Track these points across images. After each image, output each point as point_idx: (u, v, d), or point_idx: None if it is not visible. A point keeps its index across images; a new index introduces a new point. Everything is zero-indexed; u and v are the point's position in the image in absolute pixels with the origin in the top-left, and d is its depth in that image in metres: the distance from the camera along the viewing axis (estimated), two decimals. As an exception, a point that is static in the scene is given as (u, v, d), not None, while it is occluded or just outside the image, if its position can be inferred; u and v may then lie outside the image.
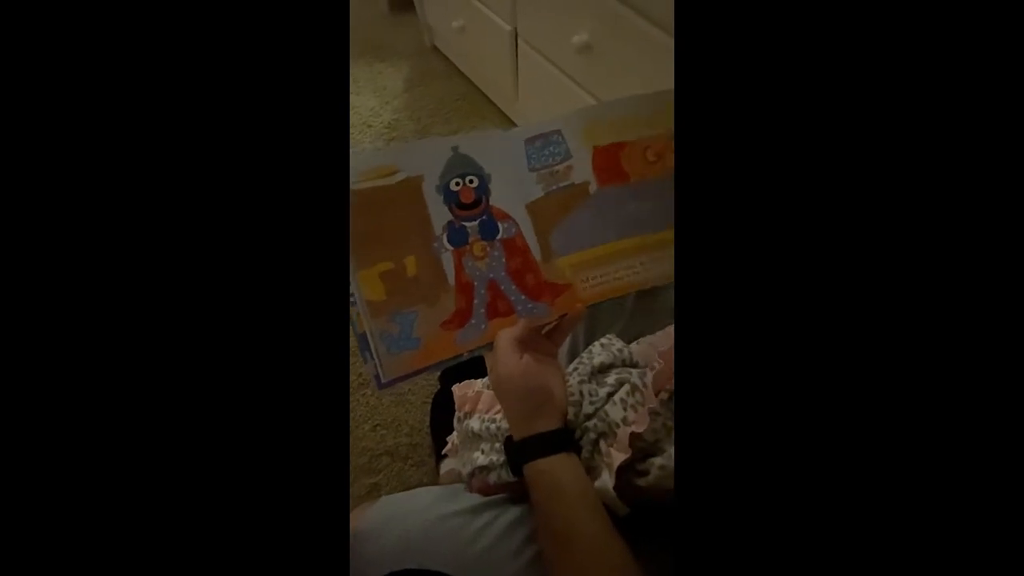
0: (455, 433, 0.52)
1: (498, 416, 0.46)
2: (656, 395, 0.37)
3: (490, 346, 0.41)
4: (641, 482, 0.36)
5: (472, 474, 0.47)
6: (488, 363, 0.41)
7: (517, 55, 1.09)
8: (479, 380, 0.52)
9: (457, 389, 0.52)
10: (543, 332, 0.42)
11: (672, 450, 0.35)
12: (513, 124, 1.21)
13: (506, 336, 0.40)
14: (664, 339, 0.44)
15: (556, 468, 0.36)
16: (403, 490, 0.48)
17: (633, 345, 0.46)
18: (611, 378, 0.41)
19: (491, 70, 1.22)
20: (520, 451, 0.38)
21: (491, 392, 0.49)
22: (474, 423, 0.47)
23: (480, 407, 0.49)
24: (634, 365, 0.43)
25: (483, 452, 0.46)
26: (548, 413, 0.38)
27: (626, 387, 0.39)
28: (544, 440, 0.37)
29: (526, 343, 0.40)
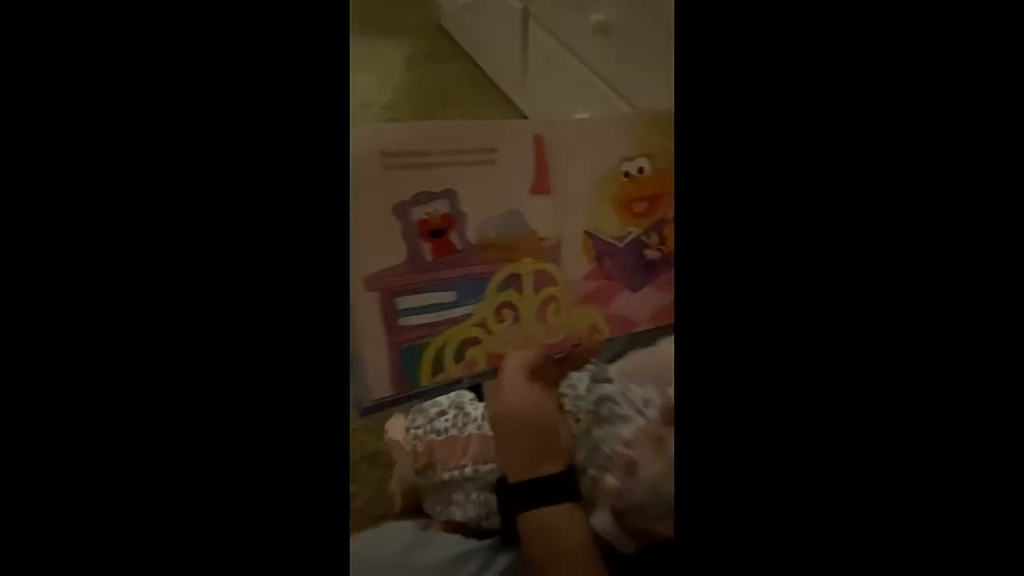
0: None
1: (470, 465, 0.42)
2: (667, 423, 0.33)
3: (492, 372, 0.37)
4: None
5: (446, 524, 0.43)
6: (490, 391, 0.37)
7: (527, 35, 1.02)
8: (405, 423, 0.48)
9: (397, 434, 0.47)
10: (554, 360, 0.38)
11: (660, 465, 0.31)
12: (519, 111, 1.15)
13: (517, 362, 0.35)
14: (659, 357, 0.39)
15: (558, 522, 0.32)
16: (379, 502, 0.44)
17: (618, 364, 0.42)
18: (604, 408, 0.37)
19: (498, 52, 1.16)
20: (518, 497, 0.34)
21: (446, 439, 0.44)
22: (441, 473, 0.43)
23: (439, 456, 0.44)
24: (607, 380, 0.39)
25: (459, 505, 0.42)
26: (554, 455, 0.34)
27: (608, 405, 0.35)
28: (547, 486, 0.33)
29: (536, 371, 0.36)
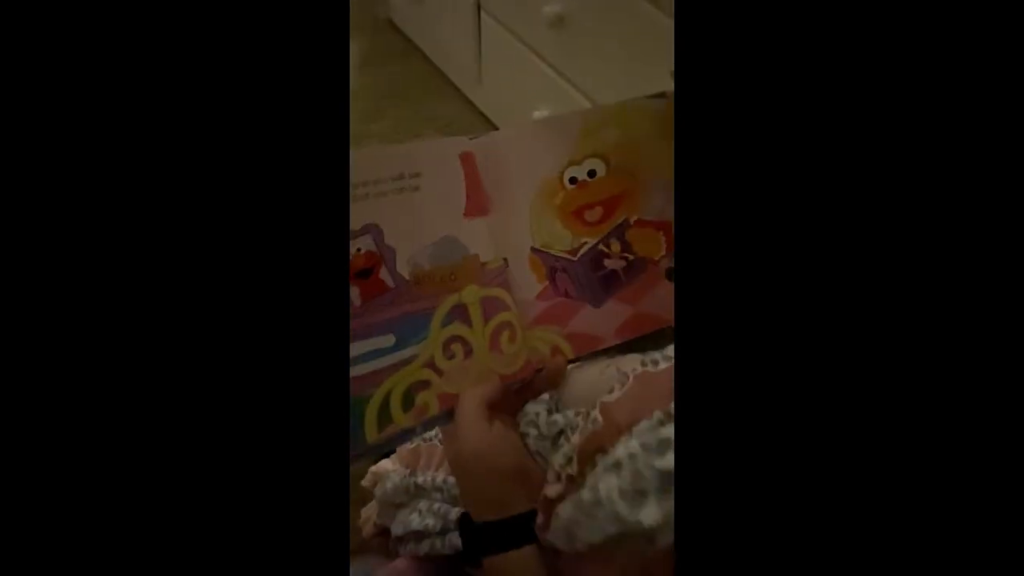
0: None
1: (442, 474, 0.39)
2: (584, 461, 0.28)
3: (448, 415, 0.33)
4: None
5: (401, 539, 0.39)
6: (447, 435, 0.34)
7: (480, 30, 0.99)
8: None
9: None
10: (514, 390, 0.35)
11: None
12: (476, 109, 1.11)
13: (473, 401, 0.32)
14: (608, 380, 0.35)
15: (527, 565, 0.30)
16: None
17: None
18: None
19: (451, 47, 1.12)
20: (483, 539, 0.31)
21: (430, 445, 0.41)
22: (418, 478, 0.40)
23: (422, 462, 0.41)
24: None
25: (420, 513, 0.39)
26: (521, 494, 0.32)
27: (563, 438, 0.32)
28: (513, 528, 0.30)
29: (496, 406, 0.33)
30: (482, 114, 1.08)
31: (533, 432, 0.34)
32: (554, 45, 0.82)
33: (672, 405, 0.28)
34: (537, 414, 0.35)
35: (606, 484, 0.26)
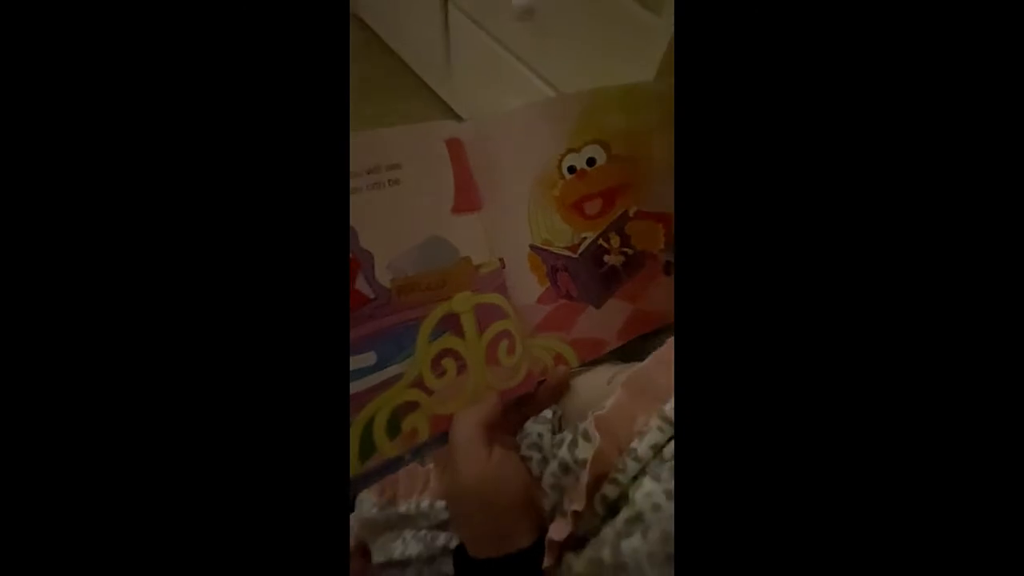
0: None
1: (427, 499, 0.36)
2: (592, 488, 0.26)
3: (438, 438, 0.30)
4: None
5: (384, 566, 0.36)
6: (441, 462, 0.31)
7: (448, 24, 0.96)
8: None
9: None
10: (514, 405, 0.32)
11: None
12: (446, 105, 1.09)
13: (469, 423, 0.28)
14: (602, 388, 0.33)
15: None
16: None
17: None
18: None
19: (419, 41, 1.09)
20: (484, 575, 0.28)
21: (409, 470, 0.37)
22: (400, 507, 0.36)
23: (401, 491, 0.37)
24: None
25: (404, 541, 0.36)
26: (524, 526, 0.28)
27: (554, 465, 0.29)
28: (515, 566, 0.27)
29: (495, 427, 0.29)
30: (451, 109, 1.05)
31: (536, 456, 0.30)
32: (524, 38, 0.79)
33: (667, 405, 0.27)
34: (540, 435, 0.32)
35: (631, 546, 0.23)
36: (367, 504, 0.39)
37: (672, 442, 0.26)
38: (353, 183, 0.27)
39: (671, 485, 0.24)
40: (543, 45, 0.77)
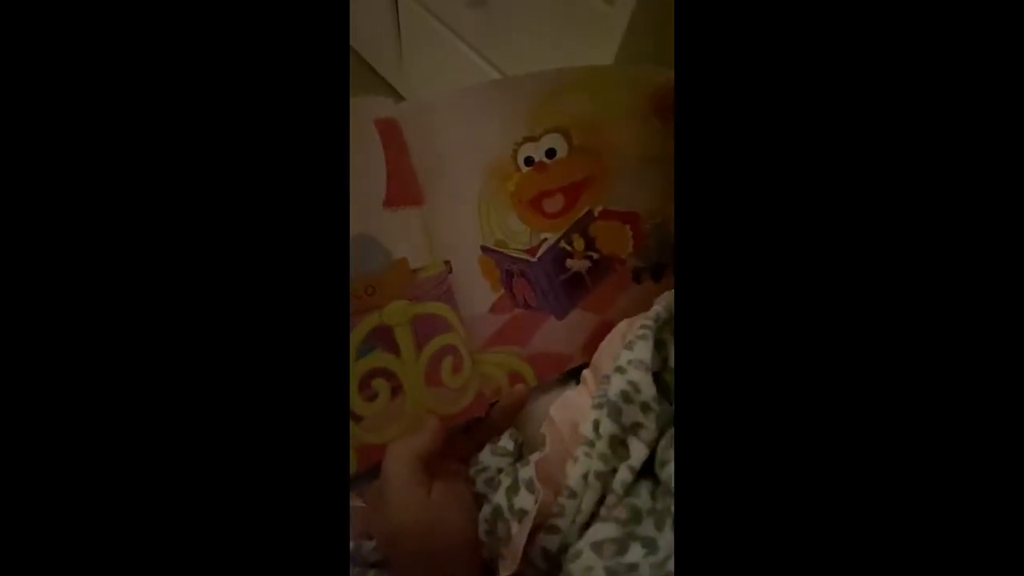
0: None
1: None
2: (529, 542, 0.25)
3: (368, 472, 0.26)
4: None
5: None
6: (371, 500, 0.27)
7: (398, 11, 0.94)
8: None
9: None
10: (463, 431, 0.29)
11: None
12: (399, 95, 1.05)
13: (403, 457, 0.25)
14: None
15: None
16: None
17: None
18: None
19: (370, 31, 1.05)
20: None
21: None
22: None
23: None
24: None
25: None
26: (472, 570, 0.26)
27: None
28: None
29: (436, 459, 0.26)
30: (403, 98, 1.02)
31: (492, 495, 0.26)
32: (475, 26, 0.78)
33: (582, 426, 0.27)
34: (500, 470, 0.28)
35: None
36: None
37: (610, 469, 0.26)
38: None
39: (619, 533, 0.23)
40: (494, 31, 0.75)
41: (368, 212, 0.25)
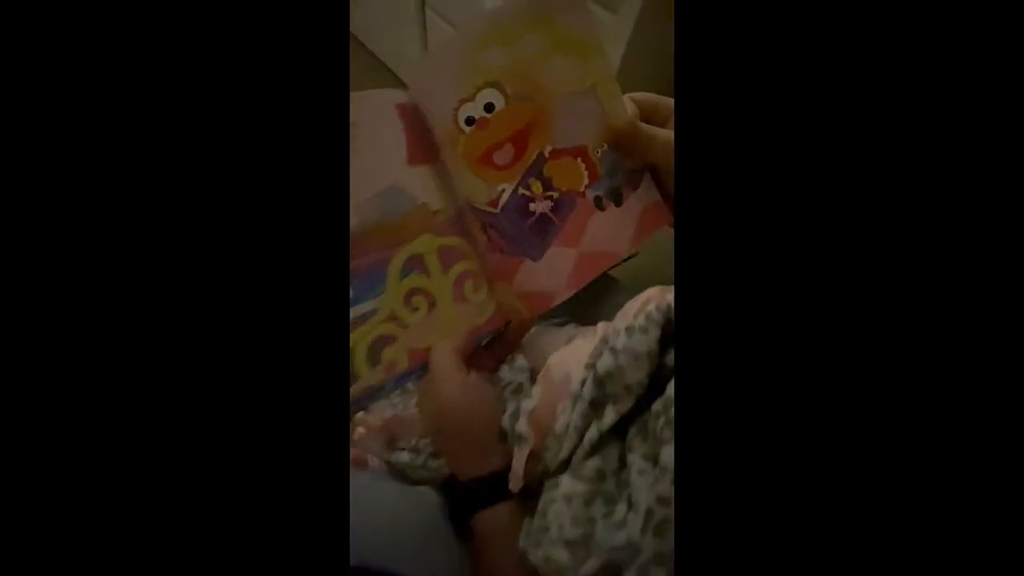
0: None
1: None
2: (542, 437, 0.29)
3: (418, 369, 0.33)
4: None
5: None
6: (423, 389, 0.34)
7: (425, 26, 1.02)
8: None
9: (360, 421, 0.45)
10: (484, 345, 0.36)
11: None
12: None
13: (446, 352, 0.32)
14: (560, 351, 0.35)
15: (513, 518, 0.31)
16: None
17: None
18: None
19: (397, 43, 1.14)
20: (470, 496, 0.32)
21: (405, 416, 0.42)
22: (404, 457, 0.40)
23: (399, 433, 0.42)
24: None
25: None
26: (498, 449, 0.33)
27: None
28: (498, 482, 0.32)
29: (469, 361, 0.34)
30: None
31: (512, 407, 0.34)
32: None
33: (577, 381, 0.30)
34: (520, 386, 0.35)
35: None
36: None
37: (585, 424, 0.29)
38: None
39: (587, 473, 0.27)
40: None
41: (396, 168, 0.31)
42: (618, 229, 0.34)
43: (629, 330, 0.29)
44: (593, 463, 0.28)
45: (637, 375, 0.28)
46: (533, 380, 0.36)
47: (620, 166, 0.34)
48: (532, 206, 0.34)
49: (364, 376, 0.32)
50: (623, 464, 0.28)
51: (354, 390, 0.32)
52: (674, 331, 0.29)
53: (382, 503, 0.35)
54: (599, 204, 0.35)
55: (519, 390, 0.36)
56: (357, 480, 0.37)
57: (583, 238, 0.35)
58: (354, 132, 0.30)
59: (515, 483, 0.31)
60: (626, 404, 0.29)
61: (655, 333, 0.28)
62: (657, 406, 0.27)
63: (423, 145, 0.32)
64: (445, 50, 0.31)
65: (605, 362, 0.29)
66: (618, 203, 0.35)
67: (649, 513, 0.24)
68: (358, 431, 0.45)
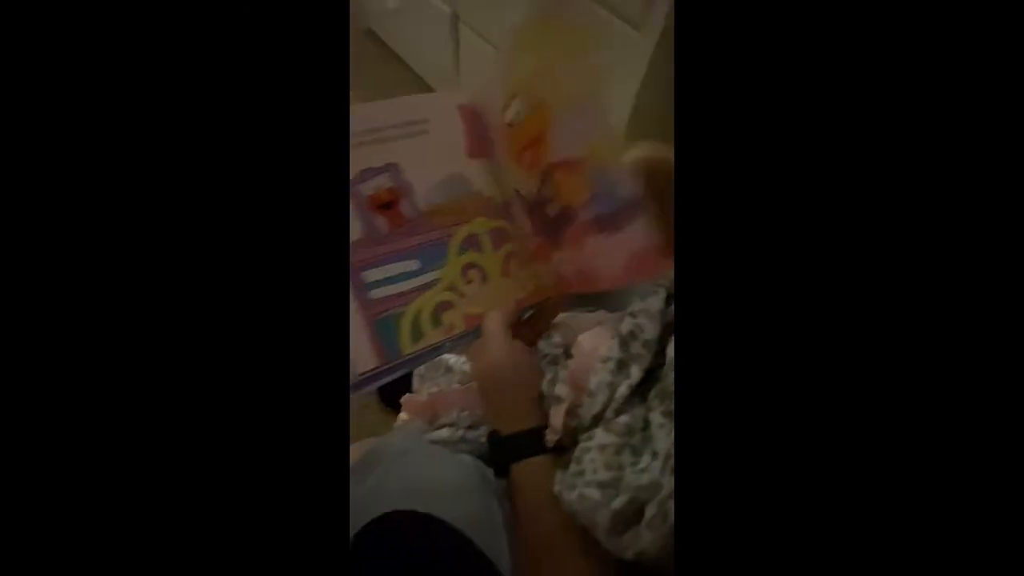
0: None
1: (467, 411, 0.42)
2: (579, 395, 0.33)
3: (473, 332, 0.37)
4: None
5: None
6: (474, 350, 0.38)
7: (458, 39, 1.04)
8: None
9: (406, 403, 0.47)
10: (524, 320, 0.40)
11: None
12: None
13: (497, 320, 0.37)
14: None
15: (546, 468, 0.33)
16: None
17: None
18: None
19: (431, 55, 1.17)
20: (511, 448, 0.35)
21: (446, 392, 0.44)
22: (443, 433, 0.43)
23: (441, 409, 0.44)
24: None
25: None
26: (536, 408, 0.36)
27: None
28: (536, 437, 0.35)
29: (514, 329, 0.37)
30: None
31: (550, 375, 0.37)
32: None
33: (606, 348, 0.33)
34: (556, 358, 0.38)
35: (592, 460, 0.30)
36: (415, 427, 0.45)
37: (617, 382, 0.32)
38: (395, 132, 0.35)
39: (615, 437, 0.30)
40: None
41: (458, 160, 0.37)
42: (609, 258, 0.35)
43: (643, 294, 0.34)
44: (624, 419, 0.32)
45: (652, 331, 0.32)
46: (567, 355, 0.39)
47: (616, 192, 0.34)
48: (548, 208, 0.37)
49: (428, 335, 0.37)
50: (647, 425, 0.31)
51: (417, 347, 0.36)
52: (673, 332, 0.32)
53: (420, 461, 0.38)
54: (600, 226, 0.35)
55: (555, 361, 0.40)
56: (393, 445, 0.40)
57: (579, 256, 0.37)
58: (425, 127, 0.36)
59: (552, 437, 0.34)
60: (646, 360, 0.32)
61: (663, 293, 0.33)
62: (667, 365, 0.32)
63: (480, 141, 0.38)
64: (498, 63, 0.36)
65: (626, 324, 0.34)
66: (616, 230, 0.35)
67: (668, 457, 0.28)
68: (400, 417, 0.47)
